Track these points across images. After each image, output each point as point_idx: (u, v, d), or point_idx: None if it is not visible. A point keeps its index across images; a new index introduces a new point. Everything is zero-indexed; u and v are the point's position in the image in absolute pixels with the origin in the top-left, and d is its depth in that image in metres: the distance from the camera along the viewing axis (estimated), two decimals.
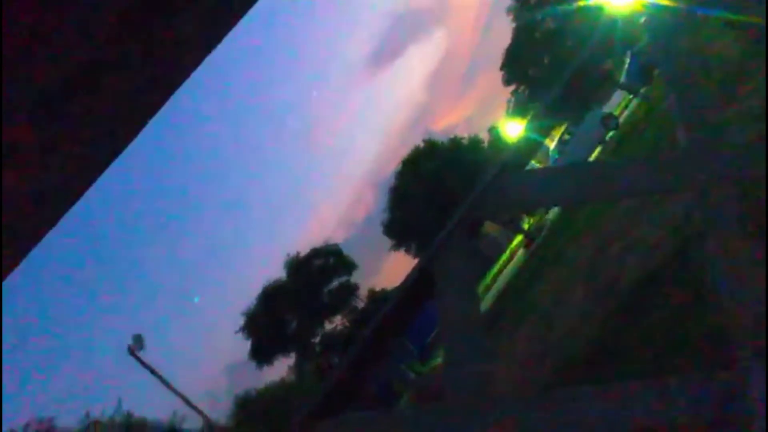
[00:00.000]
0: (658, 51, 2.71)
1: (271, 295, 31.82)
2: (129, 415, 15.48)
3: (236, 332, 30.73)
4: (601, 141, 22.30)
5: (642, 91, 20.66)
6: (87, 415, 15.11)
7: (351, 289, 33.01)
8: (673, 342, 5.03)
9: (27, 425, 13.84)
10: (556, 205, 12.32)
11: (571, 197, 2.63)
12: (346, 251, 34.06)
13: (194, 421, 18.17)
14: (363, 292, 33.41)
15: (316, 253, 33.59)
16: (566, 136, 23.96)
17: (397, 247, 32.53)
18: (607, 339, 6.44)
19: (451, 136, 31.95)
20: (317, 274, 32.76)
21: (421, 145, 31.87)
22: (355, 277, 33.65)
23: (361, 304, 33.05)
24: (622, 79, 22.64)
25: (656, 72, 18.49)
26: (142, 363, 20.31)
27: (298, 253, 33.25)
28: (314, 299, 31.84)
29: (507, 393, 6.31)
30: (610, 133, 22.05)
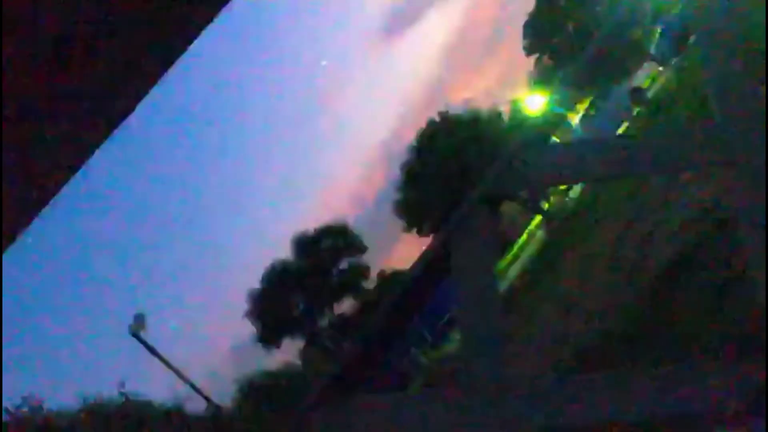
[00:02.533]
0: (692, 18, 2.67)
1: (277, 276, 31.98)
2: (129, 397, 15.69)
3: (243, 317, 30.94)
4: (629, 116, 22.05)
5: (673, 62, 20.37)
6: (84, 399, 15.32)
7: (361, 271, 33.08)
8: (701, 329, 5.02)
9: (18, 407, 14.07)
10: (580, 182, 12.24)
11: (596, 173, 2.62)
12: (355, 231, 34.08)
13: (197, 404, 18.43)
14: (373, 274, 33.48)
15: (324, 232, 33.63)
16: (591, 111, 23.73)
17: (409, 228, 32.47)
18: (631, 324, 6.44)
19: (470, 109, 31.58)
20: (326, 255, 32.84)
21: (437, 118, 31.59)
22: (365, 259, 33.70)
23: (371, 287, 33.15)
24: (653, 49, 22.31)
25: (690, 41, 18.20)
26: (144, 343, 20.59)
27: (305, 232, 33.32)
28: (323, 281, 31.97)
29: (525, 378, 6.35)
30: (639, 108, 21.79)
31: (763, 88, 2.47)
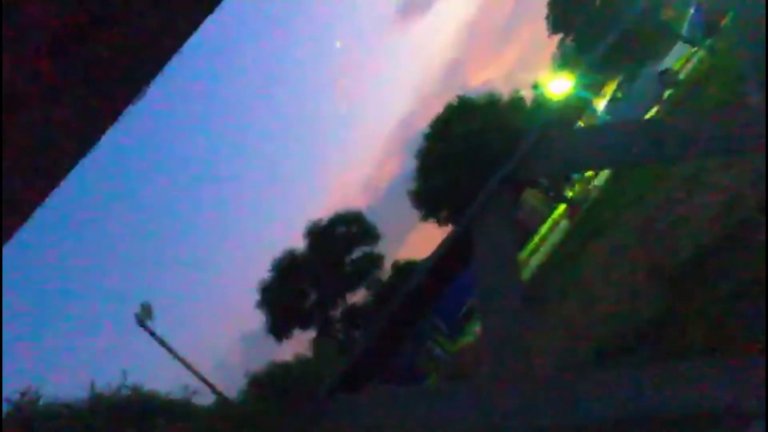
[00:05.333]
0: None
1: (288, 266, 32.07)
2: (136, 389, 15.87)
3: (254, 308, 31.08)
4: (658, 100, 21.79)
5: (706, 43, 20.08)
6: (92, 386, 15.47)
7: (375, 260, 33.07)
8: (729, 323, 5.00)
9: (23, 394, 14.29)
10: (606, 167, 12.17)
11: (623, 158, 2.61)
12: (369, 219, 34.04)
13: (205, 395, 18.57)
14: (387, 264, 33.43)
15: (337, 219, 33.64)
16: (618, 95, 23.46)
17: (426, 217, 32.34)
18: (656, 317, 6.42)
19: (489, 93, 31.30)
20: (338, 243, 32.86)
21: (455, 102, 31.36)
22: (379, 248, 33.68)
23: (384, 277, 33.14)
24: (684, 30, 21.99)
25: (724, 22, 17.96)
26: (151, 333, 20.78)
27: (318, 220, 33.35)
28: (335, 270, 32.02)
29: (547, 370, 6.36)
30: (669, 92, 21.53)
31: None
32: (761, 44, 2.40)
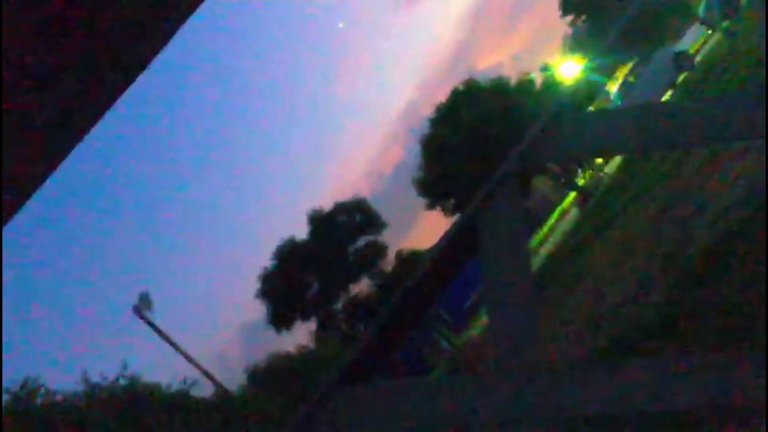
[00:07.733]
0: None
1: (290, 254, 32.14)
2: (135, 380, 15.96)
3: (255, 297, 31.23)
4: (673, 83, 21.71)
5: (724, 25, 19.96)
6: (86, 379, 15.58)
7: (379, 250, 33.10)
8: (747, 316, 5.00)
9: (23, 386, 14.44)
10: (619, 153, 12.15)
11: (638, 144, 2.59)
12: (372, 207, 34.07)
13: (205, 388, 18.70)
14: (391, 253, 33.49)
15: (340, 208, 33.66)
16: (631, 78, 23.38)
17: (432, 206, 32.37)
18: (671, 309, 6.42)
19: (497, 77, 31.19)
20: (341, 232, 32.90)
21: (461, 86, 31.26)
22: (383, 237, 33.72)
23: (388, 267, 33.18)
24: (701, 11, 21.87)
25: (744, 1, 17.85)
26: (149, 323, 20.90)
27: (320, 208, 33.39)
28: (338, 260, 32.08)
29: (557, 363, 6.39)
30: (684, 75, 21.44)
31: None
32: None
